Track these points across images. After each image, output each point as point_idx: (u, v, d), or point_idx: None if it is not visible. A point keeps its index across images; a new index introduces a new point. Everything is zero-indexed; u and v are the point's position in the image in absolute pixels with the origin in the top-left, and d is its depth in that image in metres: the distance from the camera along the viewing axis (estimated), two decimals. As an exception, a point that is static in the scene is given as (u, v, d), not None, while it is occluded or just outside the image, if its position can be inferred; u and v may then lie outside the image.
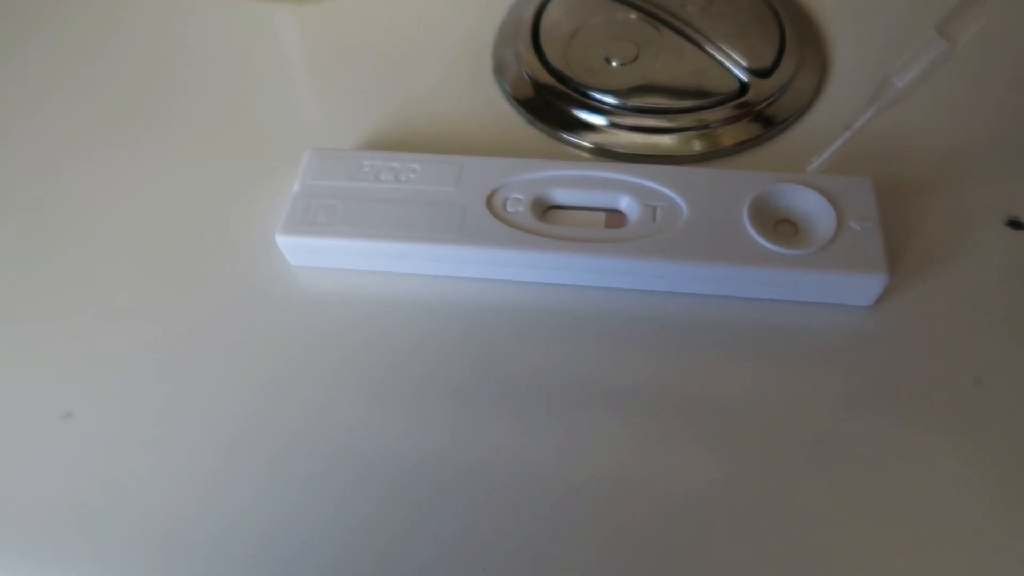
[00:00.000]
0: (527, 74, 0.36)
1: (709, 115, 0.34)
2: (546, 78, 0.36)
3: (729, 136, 0.33)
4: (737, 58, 0.35)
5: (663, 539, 0.24)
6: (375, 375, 0.28)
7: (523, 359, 0.28)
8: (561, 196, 0.30)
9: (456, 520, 0.25)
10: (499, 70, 0.37)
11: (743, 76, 0.34)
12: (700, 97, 0.34)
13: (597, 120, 0.34)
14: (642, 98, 0.34)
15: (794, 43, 0.36)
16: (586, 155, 0.34)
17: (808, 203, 0.29)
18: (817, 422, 0.26)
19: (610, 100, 0.34)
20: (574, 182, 0.30)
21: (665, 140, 0.34)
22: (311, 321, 0.29)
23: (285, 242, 0.30)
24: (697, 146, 0.33)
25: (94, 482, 0.26)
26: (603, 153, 0.34)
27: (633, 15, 0.37)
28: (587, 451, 0.26)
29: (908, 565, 0.23)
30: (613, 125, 0.34)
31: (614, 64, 0.35)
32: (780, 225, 0.29)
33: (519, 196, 0.30)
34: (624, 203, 0.30)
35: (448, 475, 0.25)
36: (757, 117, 0.34)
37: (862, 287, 0.27)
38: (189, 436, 0.27)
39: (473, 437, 0.26)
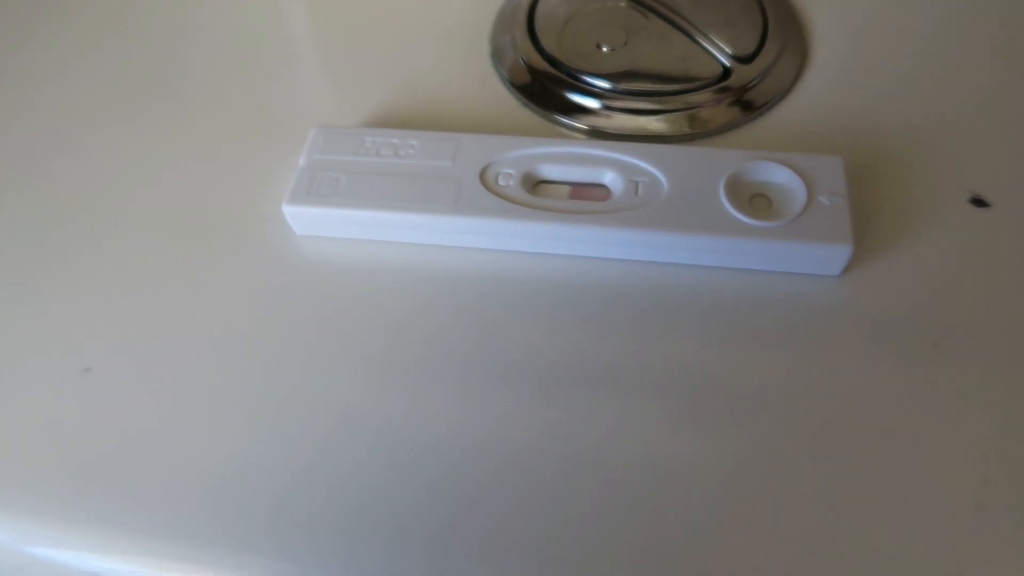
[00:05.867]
0: (523, 60, 0.38)
1: (694, 98, 0.35)
2: (541, 63, 0.37)
3: (713, 118, 0.35)
4: (721, 44, 0.37)
5: (641, 513, 0.26)
6: (374, 339, 0.30)
7: (513, 325, 0.30)
8: (549, 171, 0.32)
9: (434, 491, 0.26)
10: (496, 55, 0.39)
11: (726, 62, 0.36)
12: (686, 81, 0.36)
13: (590, 103, 0.36)
14: (631, 82, 0.36)
15: (776, 30, 0.37)
16: (580, 136, 0.36)
17: (781, 179, 0.30)
18: (783, 385, 0.27)
19: (601, 84, 0.36)
20: (562, 159, 0.32)
21: (653, 122, 0.35)
22: (314, 286, 0.31)
23: (291, 212, 0.32)
24: (683, 127, 0.35)
25: (111, 436, 0.28)
26: (596, 134, 0.36)
27: (623, 3, 0.39)
28: (570, 422, 0.27)
29: (870, 522, 0.25)
30: (605, 108, 0.36)
31: (605, 50, 0.37)
32: (755, 199, 0.31)
33: (510, 171, 0.32)
34: (608, 178, 0.32)
35: (447, 442, 0.27)
36: (739, 101, 0.36)
37: (829, 257, 0.29)
38: (198, 395, 0.29)
39: (467, 403, 0.28)
